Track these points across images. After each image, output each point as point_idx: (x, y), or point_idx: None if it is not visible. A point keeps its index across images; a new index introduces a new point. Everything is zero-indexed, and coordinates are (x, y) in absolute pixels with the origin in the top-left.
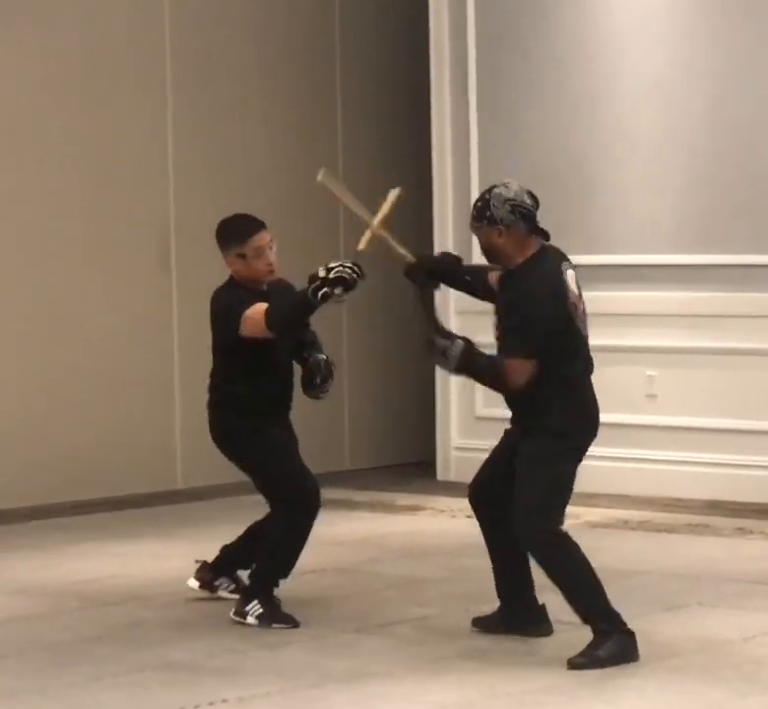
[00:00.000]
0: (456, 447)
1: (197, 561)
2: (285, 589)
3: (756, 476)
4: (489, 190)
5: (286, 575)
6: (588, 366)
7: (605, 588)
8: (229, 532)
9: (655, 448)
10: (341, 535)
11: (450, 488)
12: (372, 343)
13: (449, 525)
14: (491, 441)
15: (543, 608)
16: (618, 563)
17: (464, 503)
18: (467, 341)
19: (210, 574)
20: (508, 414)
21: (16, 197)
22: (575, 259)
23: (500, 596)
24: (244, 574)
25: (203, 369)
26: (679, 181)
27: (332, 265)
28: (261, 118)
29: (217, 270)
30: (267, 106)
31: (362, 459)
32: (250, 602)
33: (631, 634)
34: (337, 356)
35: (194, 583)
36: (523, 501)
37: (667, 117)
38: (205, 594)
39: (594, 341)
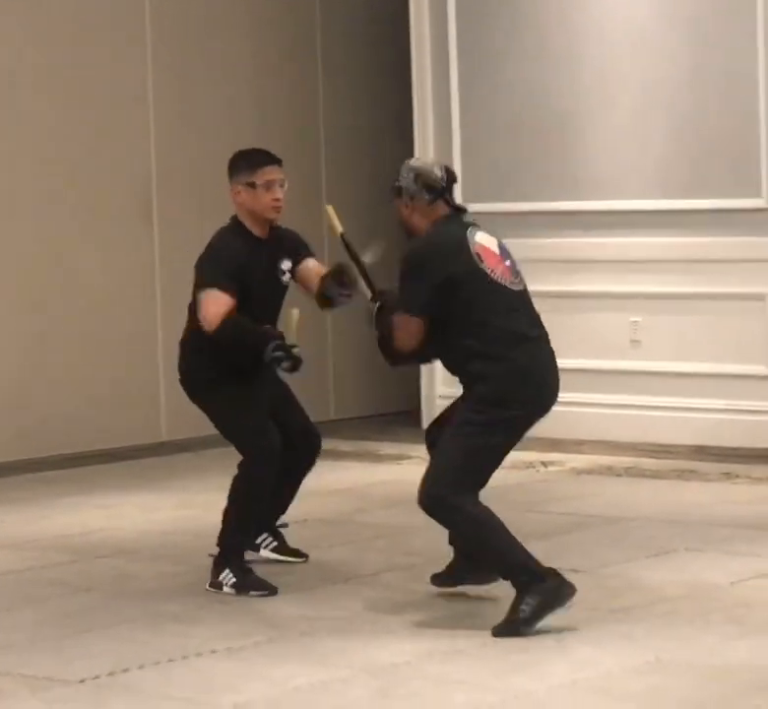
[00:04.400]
0: (441, 396)
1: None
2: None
3: (742, 420)
4: (404, 163)
5: (248, 536)
6: (526, 329)
7: (520, 542)
8: (216, 483)
9: (640, 394)
10: (326, 485)
11: None
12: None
13: None
14: None
15: None
16: (605, 510)
17: None
18: (387, 298)
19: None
20: None
21: None
22: (558, 205)
23: (452, 543)
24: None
25: (185, 323)
26: (662, 127)
27: (278, 354)
28: (243, 71)
29: (199, 224)
30: (249, 59)
31: (347, 409)
32: (222, 571)
33: (554, 574)
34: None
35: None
36: (430, 467)
37: (648, 65)
38: (250, 556)
39: (577, 287)
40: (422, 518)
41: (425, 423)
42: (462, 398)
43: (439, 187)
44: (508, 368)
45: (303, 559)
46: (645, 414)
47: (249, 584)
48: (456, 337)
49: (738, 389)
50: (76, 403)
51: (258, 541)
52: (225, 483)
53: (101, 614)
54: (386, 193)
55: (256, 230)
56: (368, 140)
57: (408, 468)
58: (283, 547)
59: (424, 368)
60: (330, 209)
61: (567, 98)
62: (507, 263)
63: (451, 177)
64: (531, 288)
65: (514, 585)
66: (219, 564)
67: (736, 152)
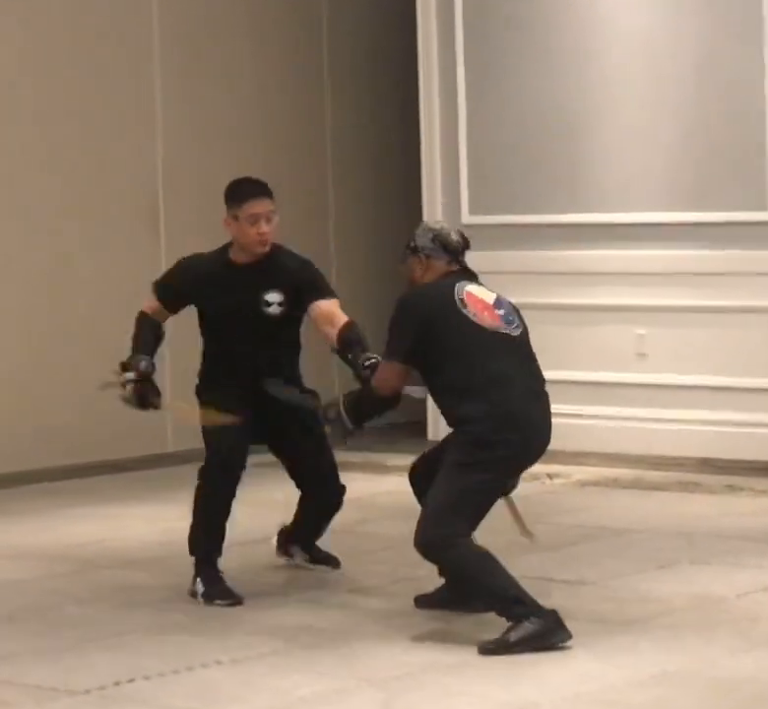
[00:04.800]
0: None
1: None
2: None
3: (746, 433)
4: (420, 224)
5: (211, 543)
6: (514, 372)
7: (514, 579)
8: None
9: (645, 406)
10: None
11: None
12: (362, 300)
13: None
14: None
15: None
16: (609, 522)
17: None
18: (345, 394)
19: (285, 541)
20: None
21: (3, 160)
22: (565, 218)
23: (442, 574)
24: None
25: (193, 332)
26: (668, 139)
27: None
28: (249, 80)
29: (206, 234)
30: (255, 68)
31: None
32: (194, 580)
33: (552, 613)
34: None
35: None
36: (424, 511)
37: (655, 75)
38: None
39: (583, 299)
40: None
41: (432, 435)
42: (450, 440)
43: (456, 251)
44: (493, 411)
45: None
46: (650, 426)
47: (215, 593)
48: (442, 380)
49: (744, 402)
50: (80, 413)
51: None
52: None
53: (106, 625)
54: (392, 200)
55: (241, 258)
56: (375, 152)
57: None
58: (314, 556)
59: None
60: None
61: (574, 112)
62: (500, 312)
63: (466, 243)
64: (537, 300)
65: (509, 619)
66: (194, 575)
67: (742, 165)
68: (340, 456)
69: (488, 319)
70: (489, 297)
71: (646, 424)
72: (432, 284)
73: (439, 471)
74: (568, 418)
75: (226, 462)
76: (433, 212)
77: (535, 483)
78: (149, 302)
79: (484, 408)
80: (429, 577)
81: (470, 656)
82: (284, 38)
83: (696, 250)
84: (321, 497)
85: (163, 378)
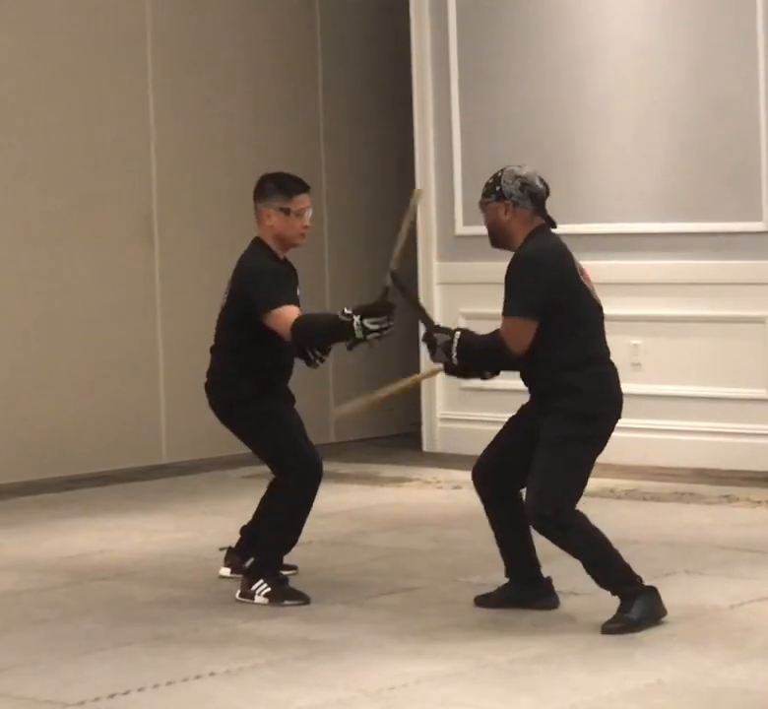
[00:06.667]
0: (441, 418)
1: (221, 549)
2: None
3: (742, 443)
4: (502, 169)
5: (288, 550)
6: (606, 346)
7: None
8: (215, 506)
9: (640, 417)
10: (327, 507)
11: (436, 460)
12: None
13: (435, 496)
14: (477, 412)
15: (548, 581)
16: (606, 532)
17: (450, 474)
18: (463, 330)
19: (238, 558)
20: (491, 385)
21: None
22: (559, 228)
23: (508, 570)
24: None
25: (187, 343)
26: (664, 149)
27: (369, 325)
28: (243, 91)
29: (200, 246)
30: (248, 79)
31: (348, 431)
32: (256, 581)
33: (653, 590)
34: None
35: (225, 571)
36: (536, 486)
37: (650, 85)
38: (237, 577)
39: None
40: (422, 541)
41: (426, 446)
42: (540, 413)
43: (541, 199)
44: (596, 384)
45: (294, 572)
46: (645, 436)
47: (284, 594)
48: (548, 347)
49: (739, 412)
50: (76, 425)
51: (246, 565)
52: (225, 506)
53: (100, 637)
54: (387, 209)
55: (279, 253)
56: (369, 162)
57: (408, 490)
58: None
59: (425, 391)
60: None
61: (568, 121)
62: (592, 288)
63: (548, 191)
64: None
65: (619, 595)
66: (252, 576)
67: (737, 175)
68: (333, 467)
69: (595, 292)
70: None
71: (641, 435)
72: (551, 241)
73: (538, 445)
74: None
75: (320, 467)
76: (428, 224)
77: None
78: (290, 313)
79: (588, 380)
80: (425, 587)
81: (466, 667)
82: (278, 51)
83: (691, 260)
84: (303, 470)
85: (158, 394)
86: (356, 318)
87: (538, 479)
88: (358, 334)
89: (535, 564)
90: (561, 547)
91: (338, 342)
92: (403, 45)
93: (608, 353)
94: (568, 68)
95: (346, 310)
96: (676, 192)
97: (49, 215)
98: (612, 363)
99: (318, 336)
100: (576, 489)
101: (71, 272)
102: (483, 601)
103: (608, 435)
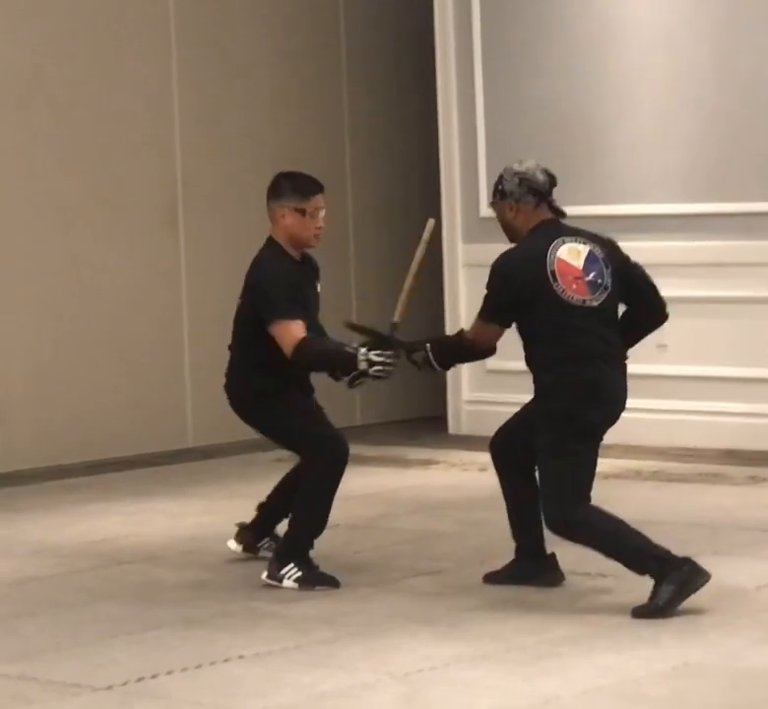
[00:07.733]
0: (467, 401)
1: (237, 525)
2: None
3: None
4: (505, 167)
5: (318, 534)
6: (596, 346)
7: (646, 535)
8: (241, 489)
9: (666, 398)
10: (353, 490)
11: (462, 442)
12: (382, 296)
13: (461, 479)
14: (503, 394)
15: (552, 557)
16: (631, 514)
17: (476, 457)
18: (432, 339)
19: (251, 536)
20: (517, 367)
21: (24, 156)
22: (584, 210)
23: (517, 545)
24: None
25: (212, 327)
26: (687, 130)
27: (374, 358)
28: (266, 77)
29: (224, 233)
30: (273, 65)
31: (373, 414)
32: (286, 565)
33: (686, 561)
34: (346, 312)
35: (236, 546)
36: (543, 493)
37: (675, 67)
38: (246, 556)
39: None
40: (448, 523)
41: (452, 429)
42: (534, 410)
43: (544, 191)
44: (575, 385)
45: None
46: (671, 417)
47: (315, 579)
48: (532, 348)
49: (765, 393)
50: (101, 409)
51: (259, 544)
52: (250, 489)
53: (128, 621)
54: (412, 190)
55: (294, 253)
56: (393, 147)
57: (434, 473)
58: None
59: (451, 374)
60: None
61: (593, 103)
62: (589, 277)
63: (553, 182)
64: None
65: (651, 576)
66: (282, 559)
67: (760, 155)
68: (359, 450)
69: (574, 292)
70: (579, 261)
71: (667, 416)
72: (527, 249)
73: (531, 444)
74: None
75: (346, 450)
76: (452, 206)
77: None
78: (297, 329)
79: (567, 381)
80: (451, 570)
81: (491, 649)
82: (302, 36)
83: (715, 241)
84: (331, 452)
85: (183, 379)
86: (363, 350)
87: (543, 485)
88: (362, 366)
89: (540, 539)
90: (580, 544)
91: (335, 370)
92: (426, 28)
93: (591, 350)
94: (592, 50)
95: (353, 344)
96: (701, 173)
97: (72, 205)
98: (602, 359)
99: (318, 363)
100: (581, 488)
101: (96, 261)
102: (492, 578)
103: (601, 426)
